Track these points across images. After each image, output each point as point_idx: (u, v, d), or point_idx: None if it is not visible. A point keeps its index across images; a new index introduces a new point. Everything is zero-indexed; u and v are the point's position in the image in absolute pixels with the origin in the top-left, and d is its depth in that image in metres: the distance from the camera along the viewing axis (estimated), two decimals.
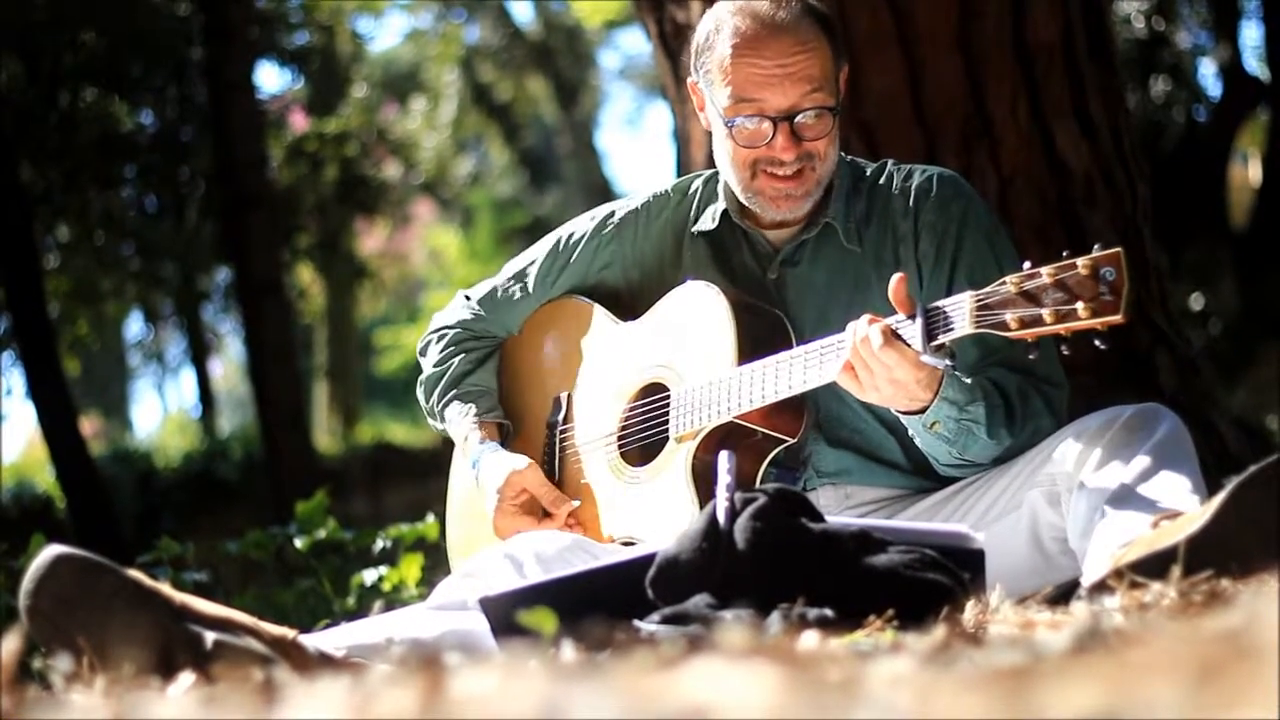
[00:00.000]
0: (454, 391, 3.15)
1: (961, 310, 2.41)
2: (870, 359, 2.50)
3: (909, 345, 2.47)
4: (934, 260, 2.85)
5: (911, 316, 2.47)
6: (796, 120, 2.80)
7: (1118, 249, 2.29)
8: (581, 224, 3.17)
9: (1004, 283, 2.38)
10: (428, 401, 3.22)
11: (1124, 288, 2.27)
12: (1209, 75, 12.92)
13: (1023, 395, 2.72)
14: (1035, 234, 3.96)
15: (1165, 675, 1.06)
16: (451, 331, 3.21)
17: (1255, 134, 13.51)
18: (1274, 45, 11.44)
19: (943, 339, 2.44)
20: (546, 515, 2.97)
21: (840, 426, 2.87)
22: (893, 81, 4.00)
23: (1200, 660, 1.08)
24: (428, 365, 3.23)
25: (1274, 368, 9.58)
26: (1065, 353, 2.34)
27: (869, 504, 2.89)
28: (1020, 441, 2.72)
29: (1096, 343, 2.30)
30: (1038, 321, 2.34)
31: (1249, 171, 14.13)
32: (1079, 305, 2.29)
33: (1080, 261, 2.30)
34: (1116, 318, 2.27)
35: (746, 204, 2.93)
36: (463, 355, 3.19)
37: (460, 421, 3.12)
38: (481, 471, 3.03)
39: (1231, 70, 11.97)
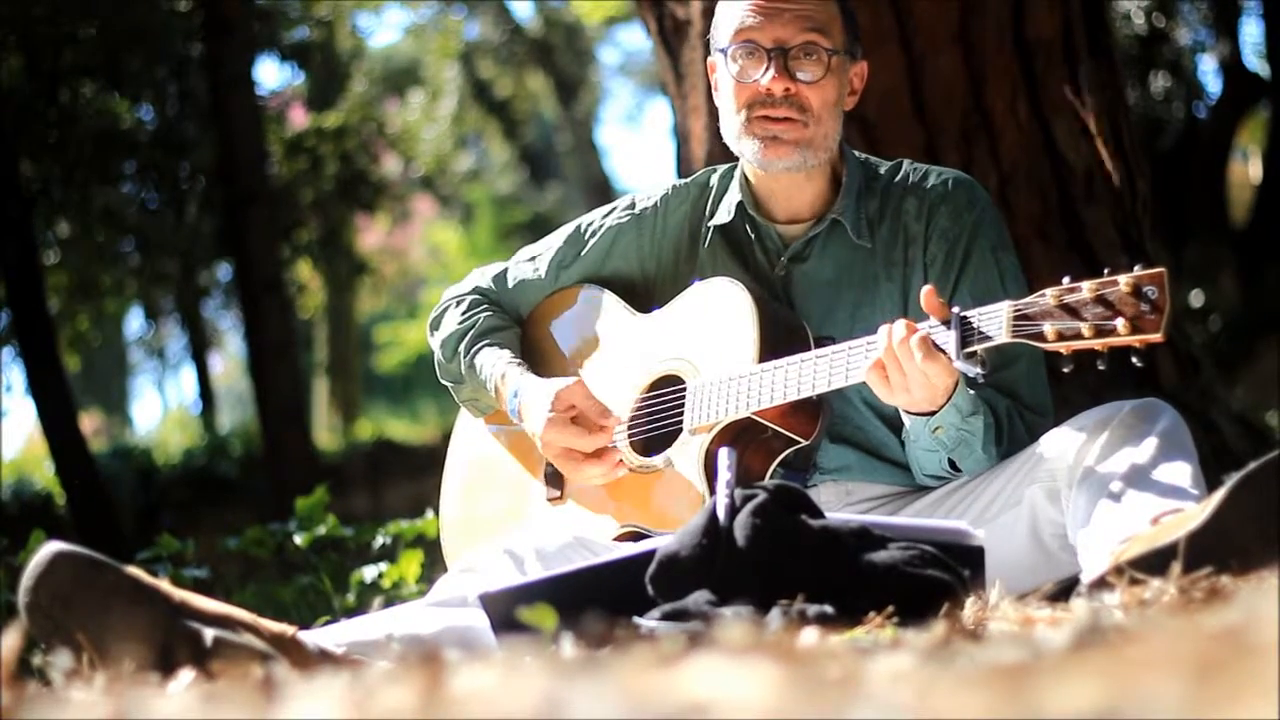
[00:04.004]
0: (485, 341, 3.10)
1: (998, 319, 2.42)
2: (909, 365, 2.51)
3: (944, 352, 2.48)
4: (941, 267, 2.86)
5: (946, 323, 2.48)
6: (790, 55, 2.82)
7: (1161, 269, 2.31)
8: (600, 215, 3.17)
9: (1043, 294, 2.39)
10: (450, 357, 3.13)
11: (1166, 307, 2.28)
12: (1209, 72, 12.94)
13: (1009, 419, 2.75)
14: (1035, 230, 3.96)
15: (1165, 672, 1.05)
16: (470, 296, 3.19)
17: (1255, 131, 13.52)
18: (1274, 42, 11.44)
19: (977, 347, 2.45)
20: (595, 430, 2.90)
21: (843, 424, 2.88)
22: (893, 78, 4.00)
23: (1200, 657, 1.08)
24: (448, 326, 3.16)
25: (1274, 364, 9.57)
26: (1101, 368, 2.35)
27: (869, 500, 2.89)
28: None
29: (1134, 360, 2.31)
30: (1076, 335, 2.34)
31: (1249, 168, 14.14)
32: (1119, 322, 2.30)
33: (1123, 278, 2.31)
34: (1156, 336, 2.29)
35: (741, 156, 2.94)
36: (489, 313, 3.16)
37: (495, 364, 3.05)
38: (524, 395, 2.96)
39: (1231, 67, 11.97)
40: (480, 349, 3.09)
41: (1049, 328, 2.37)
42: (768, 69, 2.83)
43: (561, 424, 2.89)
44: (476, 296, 3.20)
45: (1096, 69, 4.11)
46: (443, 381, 3.22)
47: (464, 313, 3.16)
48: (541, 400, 2.92)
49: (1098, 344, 2.33)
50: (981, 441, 2.68)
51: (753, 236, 2.99)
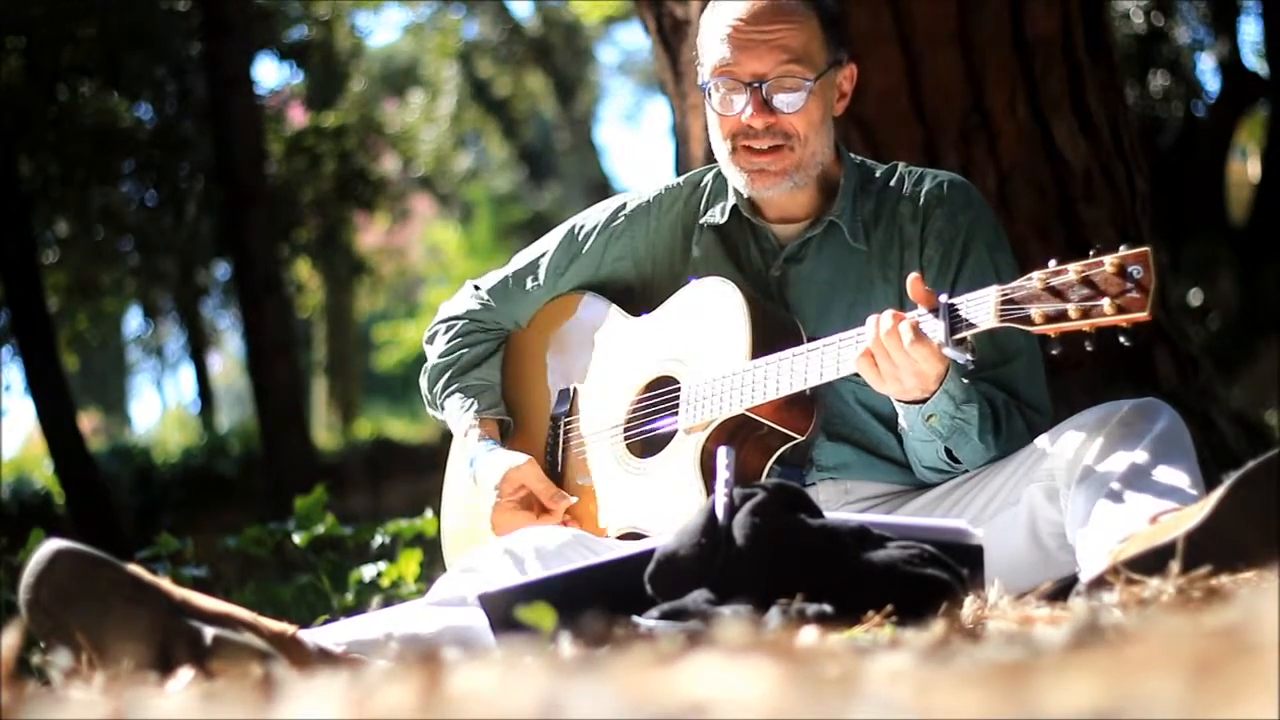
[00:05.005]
0: (457, 384, 3.15)
1: (986, 304, 2.42)
2: (896, 352, 2.52)
3: (931, 339, 2.49)
4: (938, 268, 2.86)
5: (934, 310, 2.48)
6: (768, 88, 2.82)
7: (1146, 248, 2.30)
8: (593, 216, 3.17)
9: (1030, 278, 2.39)
10: (430, 391, 3.21)
11: (1151, 285, 2.28)
12: (1208, 71, 12.94)
13: (1007, 412, 2.75)
14: (1034, 229, 3.96)
15: (1164, 671, 1.05)
16: (460, 323, 3.21)
17: (1254, 130, 13.52)
18: (1273, 41, 11.43)
19: (965, 333, 2.45)
20: (544, 511, 2.97)
21: (841, 423, 2.88)
22: (892, 78, 4.00)
23: (1199, 656, 1.08)
24: (433, 355, 3.21)
25: (1273, 363, 9.58)
26: (1089, 349, 2.35)
27: (868, 499, 2.89)
28: (1001, 456, 2.74)
29: (1121, 339, 2.31)
30: (1062, 317, 2.35)
31: (1248, 167, 14.14)
32: (1105, 302, 2.30)
33: (1108, 259, 2.31)
34: (1143, 315, 2.29)
35: (731, 181, 2.95)
36: (468, 349, 3.18)
37: (461, 416, 3.11)
38: (479, 470, 3.03)
39: (1230, 66, 11.97)
40: (452, 393, 3.15)
41: (1036, 311, 2.37)
42: (747, 104, 2.83)
43: (509, 509, 2.96)
44: (465, 323, 3.22)
45: (1095, 68, 4.11)
46: (429, 411, 3.27)
47: (448, 341, 3.20)
48: (493, 478, 2.98)
49: (1085, 325, 2.34)
50: (978, 430, 2.67)
51: (749, 236, 3.00)
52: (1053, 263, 2.38)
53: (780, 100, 2.83)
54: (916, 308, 2.54)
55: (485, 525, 3.07)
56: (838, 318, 2.87)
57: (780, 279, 2.95)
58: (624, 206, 3.14)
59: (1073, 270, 2.35)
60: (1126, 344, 2.31)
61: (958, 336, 2.46)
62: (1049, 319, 2.36)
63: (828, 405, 2.84)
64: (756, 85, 2.82)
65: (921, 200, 2.92)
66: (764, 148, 2.84)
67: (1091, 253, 2.35)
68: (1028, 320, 2.39)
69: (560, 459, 3.06)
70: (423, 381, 3.24)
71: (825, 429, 2.87)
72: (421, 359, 3.27)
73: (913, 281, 2.53)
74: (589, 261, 3.13)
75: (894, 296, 2.87)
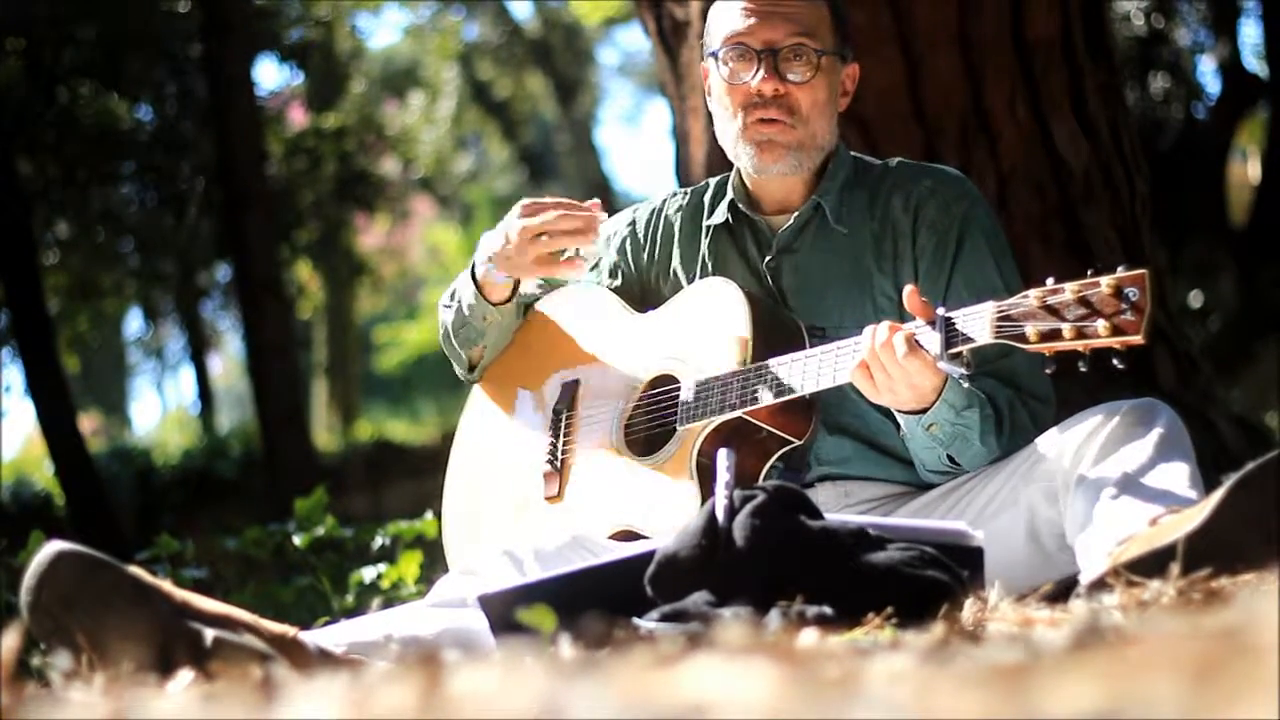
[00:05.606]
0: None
1: (982, 320, 2.43)
2: (891, 365, 2.52)
3: (927, 352, 2.49)
4: (931, 258, 2.87)
5: (931, 323, 2.49)
6: (779, 56, 2.85)
7: (1143, 270, 2.31)
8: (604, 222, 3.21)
9: (1026, 295, 2.40)
10: (452, 287, 3.14)
11: (1146, 308, 2.29)
12: (1208, 73, 12.94)
13: (1011, 408, 2.75)
14: (1034, 230, 3.96)
15: (1164, 673, 1.06)
16: None
17: (1254, 131, 13.52)
18: (1273, 43, 11.43)
19: (961, 347, 2.45)
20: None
21: (840, 413, 2.88)
22: (892, 78, 4.00)
23: (1199, 658, 1.08)
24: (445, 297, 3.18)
25: (1273, 365, 9.58)
26: (1083, 369, 2.36)
27: (868, 501, 2.89)
28: (1006, 452, 2.74)
29: (1115, 362, 2.32)
30: (1057, 336, 2.35)
31: (1248, 169, 14.14)
32: (1100, 323, 2.31)
33: (1104, 280, 2.32)
34: (1137, 338, 2.29)
35: (738, 162, 2.96)
36: None
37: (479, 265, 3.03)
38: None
39: (1231, 68, 11.98)
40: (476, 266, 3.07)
41: (1031, 329, 2.38)
42: (758, 70, 2.86)
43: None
44: None
45: (1096, 70, 4.12)
46: (443, 329, 3.18)
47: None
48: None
49: (1079, 345, 2.34)
50: (979, 434, 2.68)
51: (746, 231, 3.01)
52: (1050, 280, 2.40)
53: (790, 72, 2.86)
54: (914, 319, 2.55)
55: (488, 507, 3.06)
56: (832, 309, 2.88)
57: (775, 270, 2.96)
58: (634, 210, 3.21)
59: (1069, 289, 2.36)
60: (1120, 366, 2.32)
61: (953, 351, 2.46)
62: (1044, 337, 2.37)
63: (827, 396, 2.84)
64: (768, 53, 2.86)
65: (914, 191, 2.94)
66: (771, 115, 2.87)
67: (1090, 272, 2.36)
68: (1023, 338, 2.40)
69: (560, 452, 3.06)
70: (442, 301, 3.17)
71: (824, 421, 2.87)
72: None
73: (909, 294, 2.53)
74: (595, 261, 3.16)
75: (889, 287, 2.89)
